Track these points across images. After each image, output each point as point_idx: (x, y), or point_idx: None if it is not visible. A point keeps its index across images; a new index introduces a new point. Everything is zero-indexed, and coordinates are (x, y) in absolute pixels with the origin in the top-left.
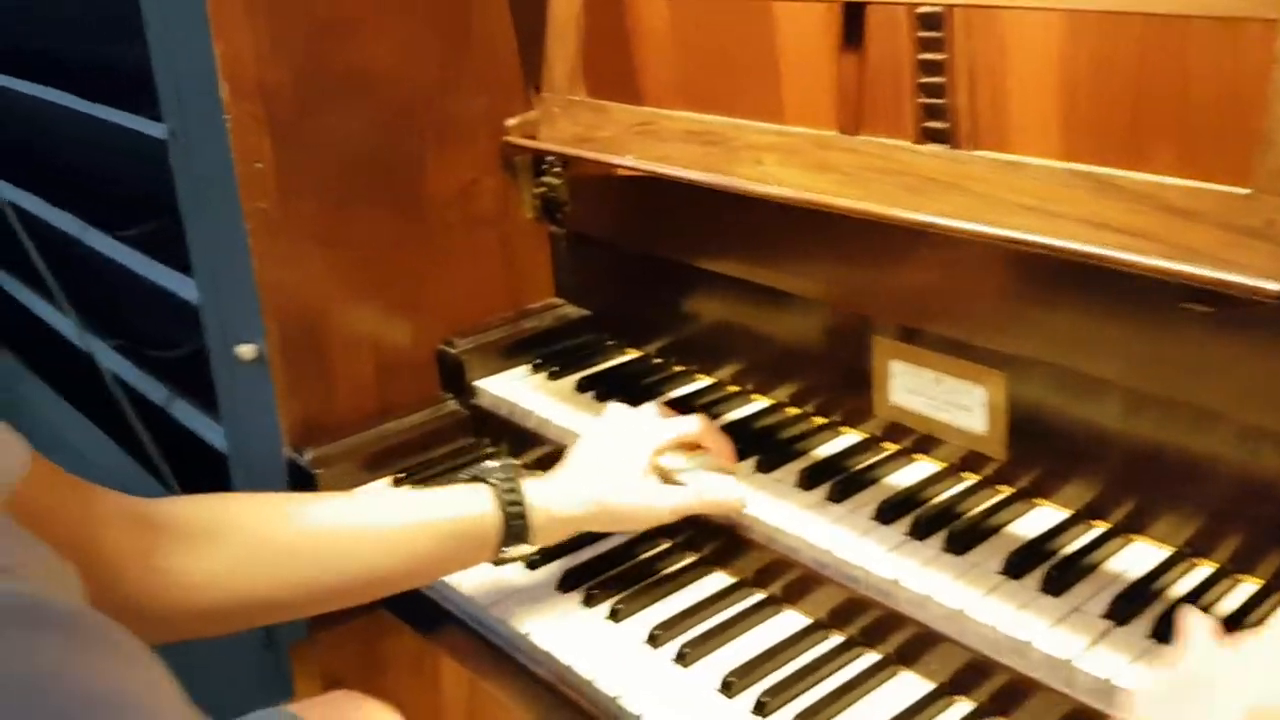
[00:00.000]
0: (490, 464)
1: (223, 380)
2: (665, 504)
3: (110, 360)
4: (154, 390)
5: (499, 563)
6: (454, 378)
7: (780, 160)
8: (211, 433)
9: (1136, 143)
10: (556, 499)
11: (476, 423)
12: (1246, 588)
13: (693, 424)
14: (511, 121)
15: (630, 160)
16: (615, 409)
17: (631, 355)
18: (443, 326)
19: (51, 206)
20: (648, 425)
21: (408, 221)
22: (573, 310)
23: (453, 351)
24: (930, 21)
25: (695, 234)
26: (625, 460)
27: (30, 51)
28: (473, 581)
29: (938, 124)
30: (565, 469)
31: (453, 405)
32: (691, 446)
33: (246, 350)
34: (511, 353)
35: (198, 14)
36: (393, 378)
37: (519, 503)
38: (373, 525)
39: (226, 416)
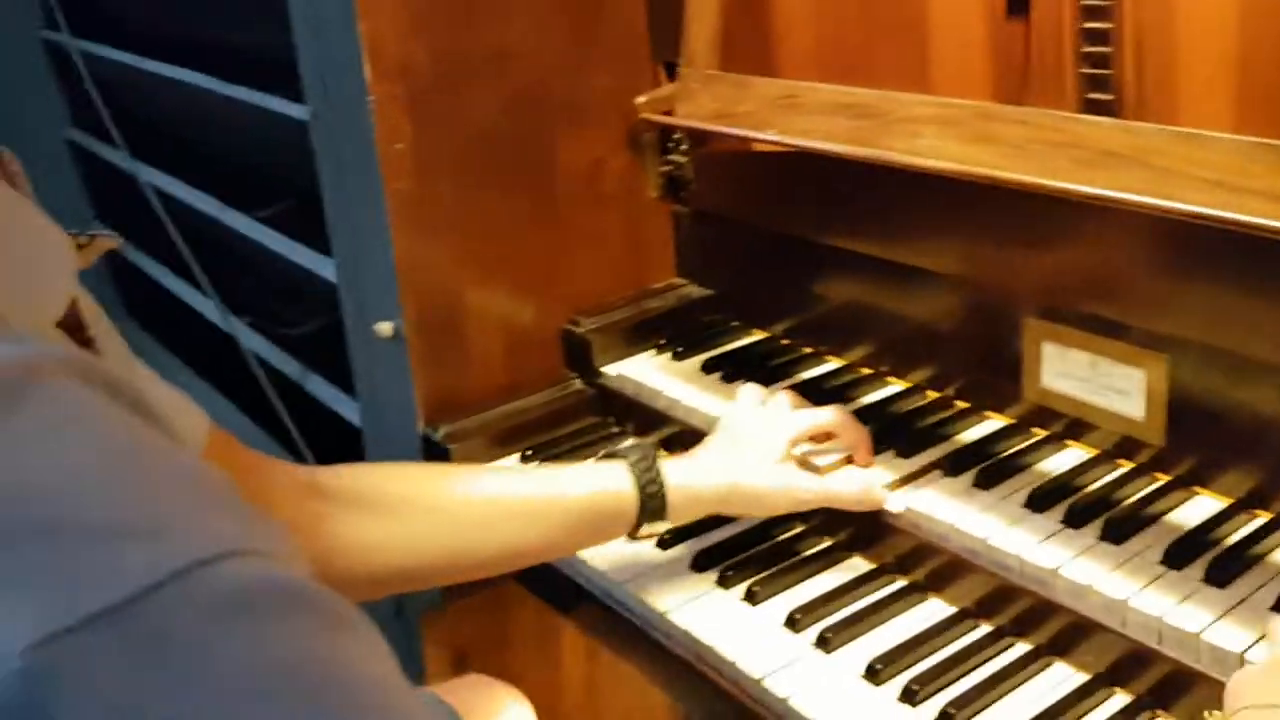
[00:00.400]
0: (626, 443)
1: (359, 357)
2: (801, 492)
3: (249, 339)
4: (289, 366)
5: (633, 539)
6: (579, 357)
7: (939, 133)
8: (346, 408)
9: None
10: (693, 479)
11: (602, 402)
12: None
13: (830, 414)
14: (641, 99)
15: (773, 135)
16: (749, 392)
17: (757, 336)
18: (567, 306)
19: (192, 189)
20: (785, 413)
21: (537, 201)
22: (695, 290)
23: (578, 331)
24: None
25: (826, 210)
26: (763, 446)
27: (172, 36)
28: (606, 558)
29: (1101, 95)
30: (703, 450)
31: (578, 385)
32: (826, 437)
33: (384, 327)
34: (635, 333)
35: None
36: (520, 356)
37: (656, 481)
38: (523, 499)
39: (362, 392)
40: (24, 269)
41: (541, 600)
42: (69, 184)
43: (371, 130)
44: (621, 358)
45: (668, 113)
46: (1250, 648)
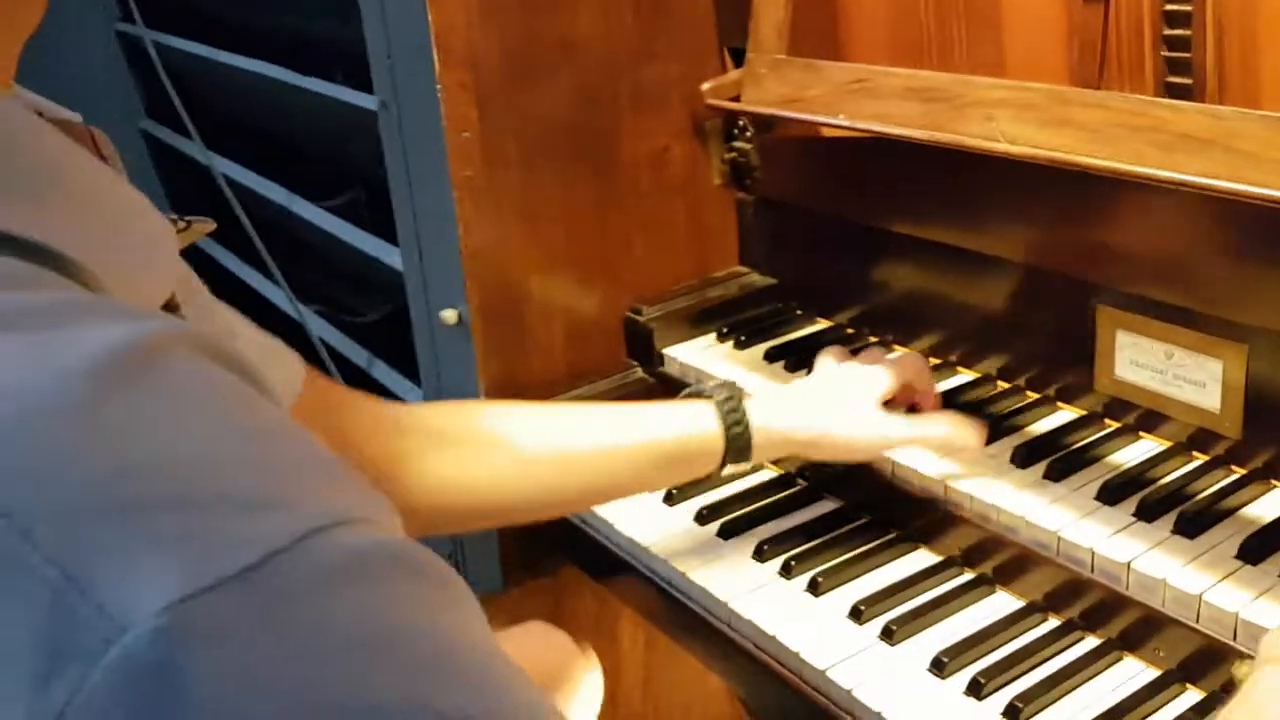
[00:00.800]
0: (711, 382)
1: (423, 344)
2: (893, 431)
3: (318, 327)
4: (356, 354)
5: (718, 477)
6: (641, 345)
7: (1014, 116)
8: (411, 395)
9: None
10: (779, 418)
11: (663, 390)
12: None
13: (903, 363)
14: (707, 85)
15: (843, 120)
16: (833, 350)
17: (821, 325)
18: (629, 294)
19: (263, 179)
20: (877, 368)
21: (601, 190)
22: (759, 279)
23: (640, 319)
24: None
25: (892, 197)
26: (856, 390)
27: (244, 27)
28: (666, 546)
29: (1181, 79)
30: (787, 394)
31: (639, 373)
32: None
33: (449, 315)
34: (698, 321)
35: None
36: (582, 344)
37: (741, 421)
38: (609, 439)
39: (426, 379)
40: (141, 250)
41: (596, 585)
42: (145, 174)
43: (439, 119)
44: (683, 344)
45: (735, 98)
46: None
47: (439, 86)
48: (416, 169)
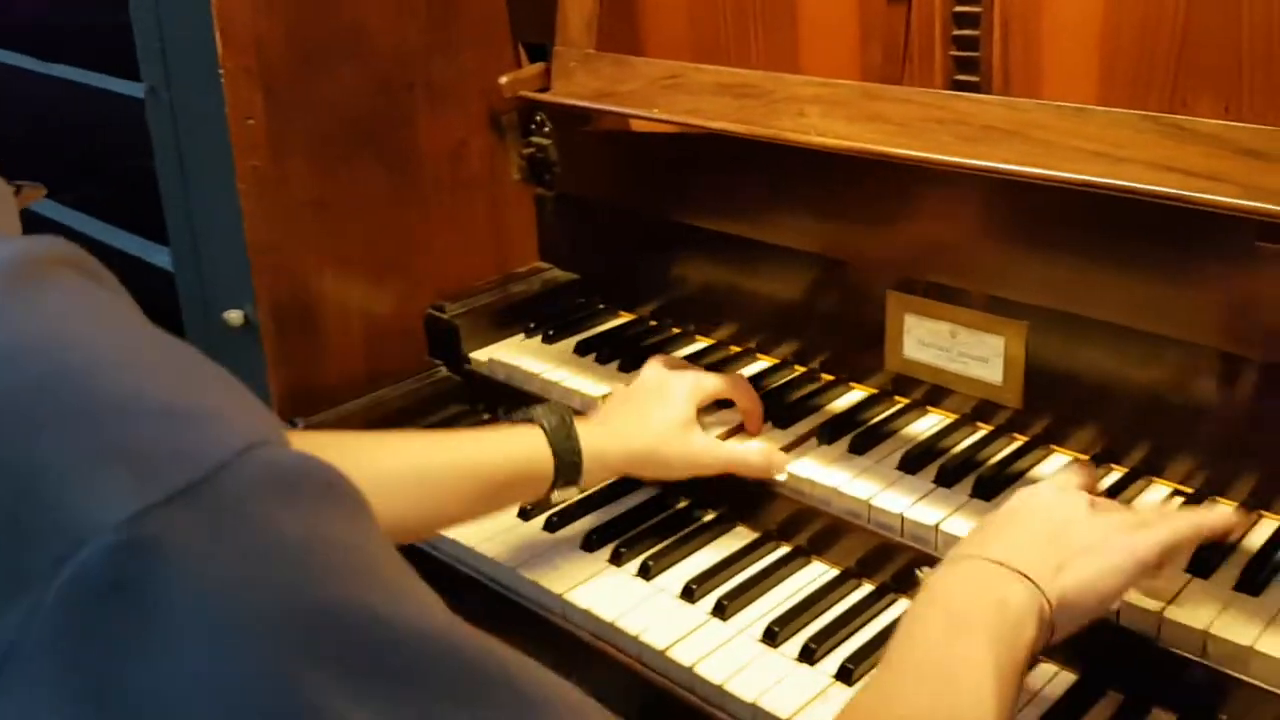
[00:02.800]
0: (538, 408)
1: (201, 349)
2: (708, 457)
3: None
4: None
5: (546, 506)
6: (445, 343)
7: (825, 112)
8: None
9: (1179, 94)
10: (606, 444)
11: (470, 389)
12: (1269, 524)
13: (730, 381)
14: (505, 79)
15: (658, 114)
16: (654, 362)
17: (626, 318)
18: (429, 291)
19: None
20: (688, 378)
21: (398, 183)
22: (560, 274)
23: (444, 317)
24: None
25: (692, 192)
26: (671, 411)
27: None
28: (494, 544)
29: (969, 77)
30: (613, 416)
31: (443, 372)
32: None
33: (234, 316)
34: (502, 317)
35: None
36: (381, 344)
37: (574, 449)
38: (430, 469)
39: None
40: None
41: None
42: None
43: (220, 106)
44: (489, 343)
45: (543, 90)
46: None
47: (221, 71)
48: (191, 161)
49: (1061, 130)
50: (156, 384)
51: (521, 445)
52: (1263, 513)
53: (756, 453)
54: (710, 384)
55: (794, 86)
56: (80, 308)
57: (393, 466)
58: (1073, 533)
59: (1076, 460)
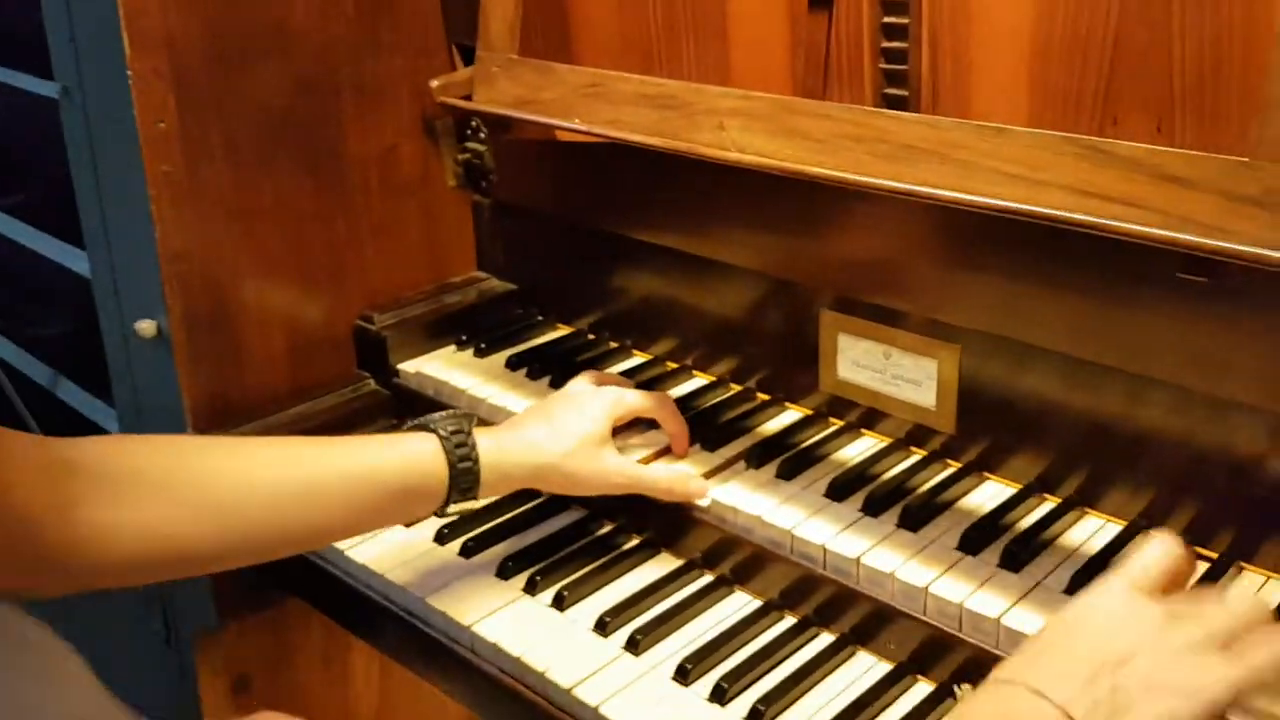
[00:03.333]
0: (438, 414)
1: (116, 360)
2: (615, 475)
3: None
4: (38, 372)
5: (441, 515)
6: (373, 355)
7: (744, 125)
8: (103, 416)
9: (1110, 111)
10: (508, 454)
11: (398, 403)
12: (1201, 563)
13: (652, 399)
14: (436, 82)
15: (577, 124)
16: (582, 378)
17: (563, 331)
18: (359, 302)
19: None
20: (608, 393)
21: (324, 188)
22: (497, 284)
23: (372, 328)
24: None
25: (629, 203)
26: (582, 425)
27: None
28: (407, 572)
29: (898, 91)
30: (519, 425)
31: (371, 385)
32: (650, 426)
33: (146, 326)
34: (434, 329)
35: None
36: (306, 356)
37: (470, 457)
38: (314, 476)
39: (121, 399)
40: None
41: (324, 617)
42: None
43: (131, 108)
44: (419, 355)
45: (466, 97)
46: None
47: (129, 72)
48: (106, 164)
49: (981, 151)
50: None
51: (414, 454)
52: (1196, 550)
53: (668, 476)
54: (631, 400)
55: (714, 98)
56: None
57: (277, 474)
58: (1139, 663)
59: (1163, 538)
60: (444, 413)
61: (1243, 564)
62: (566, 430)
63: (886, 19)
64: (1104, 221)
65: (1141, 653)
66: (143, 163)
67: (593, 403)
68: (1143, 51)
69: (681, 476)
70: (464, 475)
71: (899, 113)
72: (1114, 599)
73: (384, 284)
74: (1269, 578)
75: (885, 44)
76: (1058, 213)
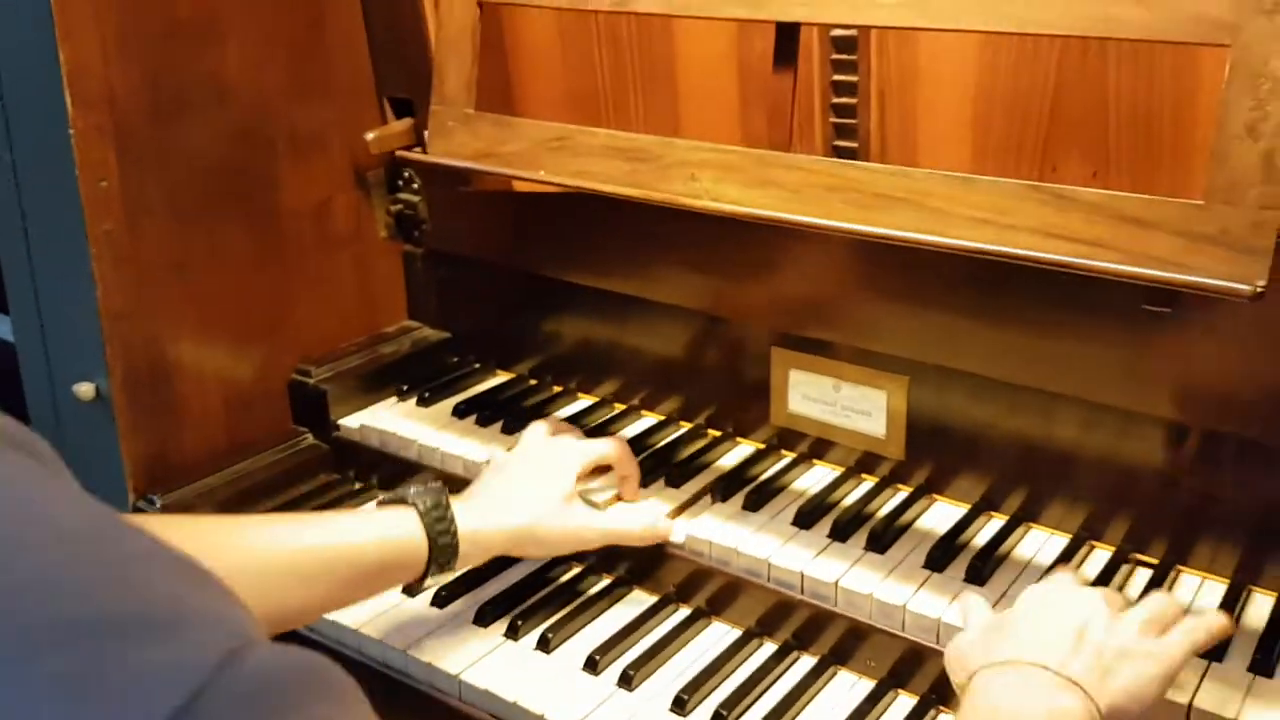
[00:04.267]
0: (413, 488)
1: (43, 427)
2: (589, 532)
3: None
4: None
5: (415, 591)
6: (311, 409)
7: (716, 177)
8: None
9: (1049, 160)
10: (485, 524)
11: (339, 457)
12: (1144, 571)
13: (611, 446)
14: (371, 135)
15: (545, 176)
16: (535, 427)
17: (502, 377)
18: (293, 355)
19: None
20: (568, 447)
21: (260, 242)
22: (430, 333)
23: (310, 381)
24: (844, 44)
25: (573, 249)
26: (551, 485)
27: None
28: (381, 627)
29: (848, 143)
30: (488, 492)
31: (310, 439)
32: (604, 469)
33: (85, 389)
34: (372, 380)
35: (40, 13)
36: (242, 412)
37: (449, 531)
38: (300, 555)
39: None
40: None
41: None
42: None
43: (69, 166)
44: (360, 408)
45: (407, 148)
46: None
47: (71, 131)
48: (36, 224)
49: (949, 198)
50: (109, 595)
51: (395, 529)
52: (1137, 557)
53: (639, 523)
54: (595, 450)
55: (684, 151)
56: (26, 501)
57: (262, 556)
58: (1107, 634)
59: (1060, 567)
60: (417, 486)
61: (1180, 567)
62: (535, 494)
63: (836, 76)
64: (1072, 261)
65: (1106, 627)
66: (82, 223)
67: (556, 461)
68: (1080, 106)
69: (651, 522)
70: (444, 550)
71: (868, 164)
72: (1066, 586)
73: (317, 336)
74: (1205, 578)
75: (836, 100)
76: (1029, 253)
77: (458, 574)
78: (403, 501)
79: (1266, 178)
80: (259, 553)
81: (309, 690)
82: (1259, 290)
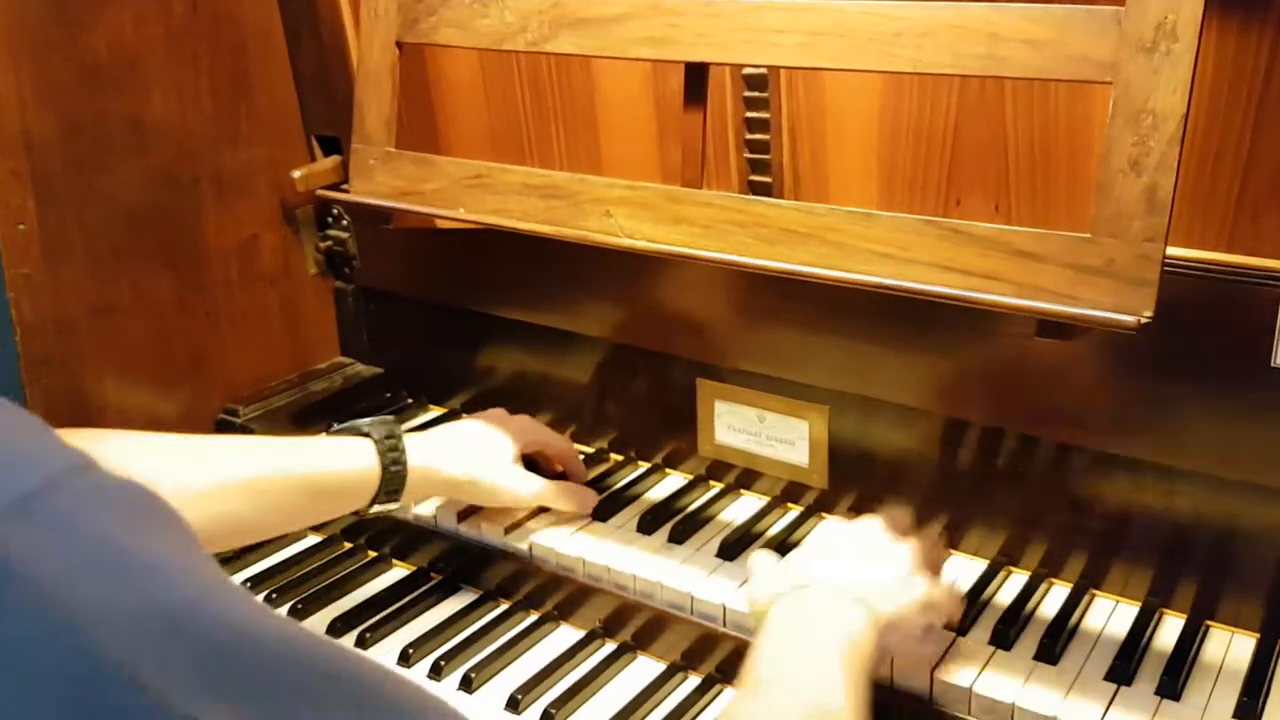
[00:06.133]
0: (367, 419)
1: None
2: (529, 490)
3: None
4: None
5: (363, 515)
6: None
7: (631, 214)
8: None
9: (953, 193)
10: (435, 462)
11: None
12: (1060, 590)
13: (558, 440)
14: (298, 173)
15: (463, 213)
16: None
17: (435, 412)
18: (220, 394)
19: None
20: (522, 421)
21: (184, 282)
22: (363, 369)
23: (237, 421)
24: (756, 82)
25: (501, 285)
26: (500, 444)
27: None
28: None
29: (762, 178)
30: (444, 437)
31: None
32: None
33: None
34: (301, 418)
35: None
36: None
37: (399, 461)
38: (258, 476)
39: None
40: None
41: None
42: None
43: None
44: None
45: (335, 185)
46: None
47: None
48: None
49: (852, 233)
50: None
51: (349, 456)
52: (1052, 580)
53: (569, 492)
54: (545, 433)
55: (599, 189)
56: None
57: (223, 476)
58: (886, 563)
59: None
60: (371, 419)
61: (1094, 590)
62: (484, 447)
63: (749, 113)
64: (966, 294)
65: (886, 553)
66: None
67: (510, 423)
68: (981, 140)
69: (581, 491)
70: (393, 478)
71: (776, 200)
72: (847, 523)
73: (245, 375)
74: (1119, 601)
75: (749, 135)
76: (925, 287)
77: (399, 505)
78: (357, 431)
79: (1149, 210)
80: (221, 472)
81: (149, 513)
82: (1145, 321)
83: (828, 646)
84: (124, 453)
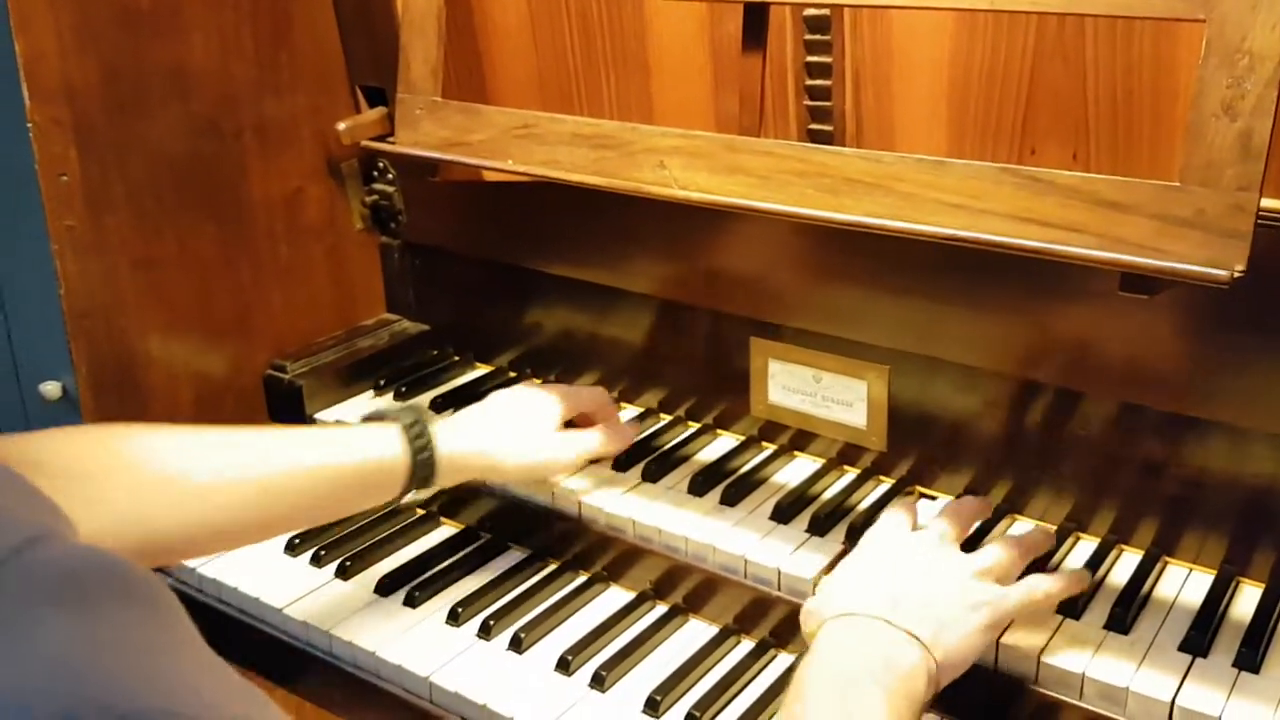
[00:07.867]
0: (395, 405)
1: (13, 426)
2: (569, 455)
3: None
4: None
5: (397, 505)
6: (287, 404)
7: (685, 164)
8: None
9: (1028, 142)
10: (464, 445)
11: None
12: (1130, 557)
13: (598, 394)
14: (343, 124)
15: (512, 165)
16: (525, 383)
17: (482, 370)
18: (266, 350)
19: None
20: (558, 389)
21: (229, 235)
22: (409, 325)
23: (285, 377)
24: (817, 24)
25: (550, 240)
26: (529, 423)
27: None
28: (346, 624)
29: (822, 126)
30: (467, 419)
31: None
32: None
33: (51, 389)
34: (349, 375)
35: None
36: (213, 409)
37: (428, 447)
38: (282, 468)
39: None
40: None
41: (266, 680)
42: None
43: (28, 161)
44: (336, 402)
45: (380, 137)
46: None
47: (30, 124)
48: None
49: (921, 183)
50: None
51: (376, 445)
52: (1123, 547)
53: (607, 435)
54: (579, 396)
55: (652, 138)
56: None
57: (245, 463)
58: (943, 585)
59: (903, 500)
60: (397, 405)
61: (1166, 558)
62: (510, 418)
63: (810, 58)
64: (1048, 246)
65: (942, 574)
66: (43, 218)
67: (538, 405)
68: (1058, 85)
69: (613, 429)
70: (423, 465)
71: (839, 149)
72: (899, 530)
73: (291, 331)
74: (1192, 569)
75: (809, 81)
76: (1002, 239)
77: (433, 492)
78: (383, 419)
79: (1243, 156)
80: (244, 467)
81: (108, 589)
82: (1237, 276)
83: (870, 680)
84: (149, 449)
